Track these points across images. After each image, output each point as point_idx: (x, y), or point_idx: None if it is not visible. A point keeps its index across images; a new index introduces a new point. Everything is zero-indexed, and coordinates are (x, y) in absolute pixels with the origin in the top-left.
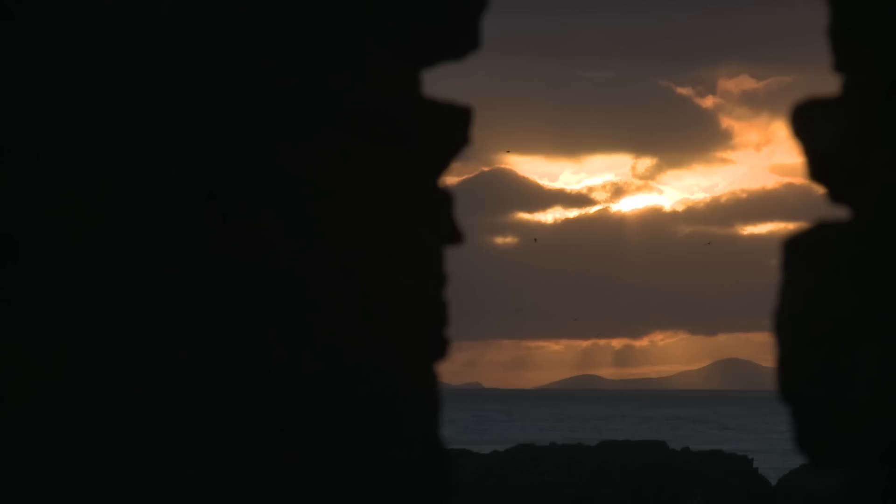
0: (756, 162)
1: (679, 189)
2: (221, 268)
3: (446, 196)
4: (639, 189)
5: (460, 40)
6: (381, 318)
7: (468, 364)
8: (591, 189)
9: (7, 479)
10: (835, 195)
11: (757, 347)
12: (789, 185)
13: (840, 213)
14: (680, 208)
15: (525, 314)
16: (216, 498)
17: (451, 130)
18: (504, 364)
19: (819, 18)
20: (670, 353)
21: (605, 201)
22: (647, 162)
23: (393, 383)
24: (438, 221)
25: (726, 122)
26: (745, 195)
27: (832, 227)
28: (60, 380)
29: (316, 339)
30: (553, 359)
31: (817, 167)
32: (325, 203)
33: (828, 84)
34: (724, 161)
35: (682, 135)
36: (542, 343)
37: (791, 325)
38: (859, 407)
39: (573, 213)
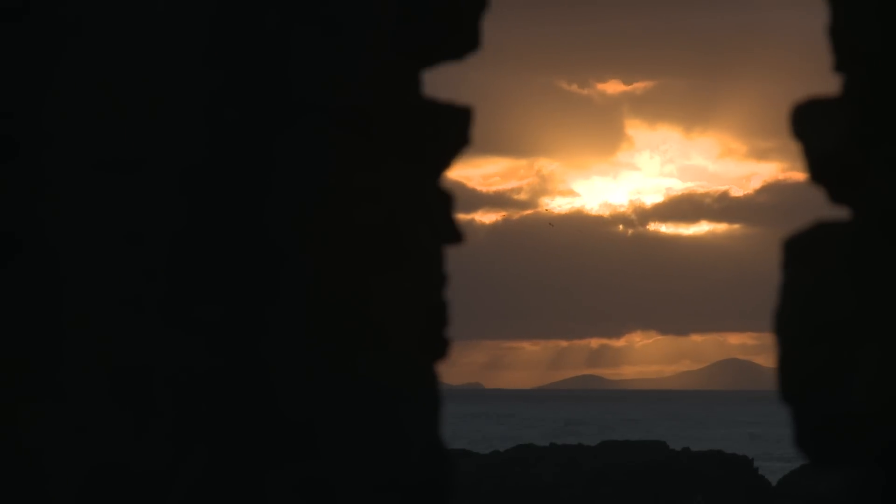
0: (654, 165)
1: (591, 192)
2: (221, 268)
3: (446, 196)
4: (560, 193)
5: (460, 40)
6: (381, 319)
7: (450, 364)
8: (514, 190)
9: (8, 479)
10: (835, 195)
11: (739, 348)
12: (704, 188)
13: (839, 213)
14: (605, 212)
15: (504, 314)
16: (216, 498)
17: (451, 130)
18: (484, 364)
19: (678, 22)
20: (651, 353)
21: (528, 203)
22: (550, 165)
23: (393, 383)
24: (438, 221)
25: (614, 124)
26: (661, 197)
27: (832, 227)
28: (60, 380)
29: (316, 339)
30: (534, 359)
31: (817, 167)
32: (326, 203)
33: (695, 88)
34: (625, 165)
35: (576, 138)
36: (519, 344)
37: (791, 325)
38: (859, 407)
39: (501, 214)
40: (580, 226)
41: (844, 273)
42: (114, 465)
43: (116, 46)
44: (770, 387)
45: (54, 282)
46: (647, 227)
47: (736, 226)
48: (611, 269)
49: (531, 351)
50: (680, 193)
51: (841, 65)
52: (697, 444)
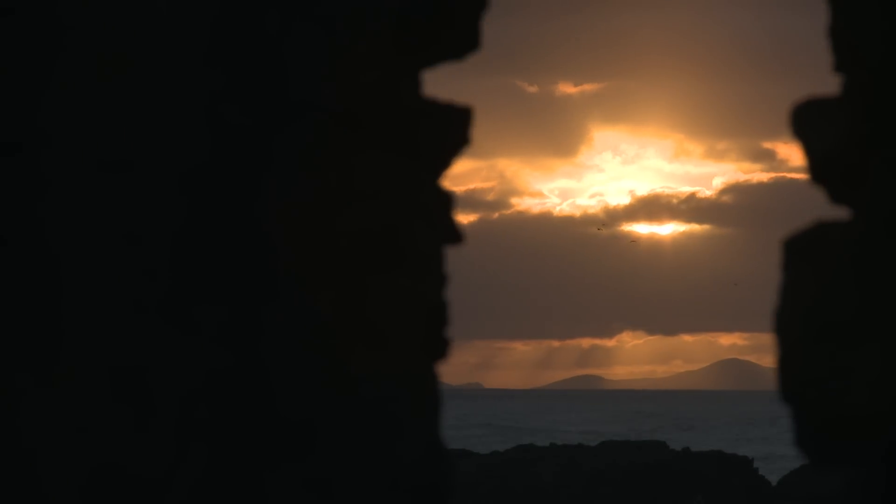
0: (615, 166)
1: (557, 193)
2: (221, 268)
3: (446, 196)
4: (530, 194)
5: (460, 40)
6: (381, 318)
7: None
8: (483, 192)
9: (7, 479)
10: (835, 195)
11: (730, 349)
12: (668, 189)
13: (840, 213)
14: (577, 212)
15: (492, 315)
16: (216, 498)
17: (451, 130)
18: (476, 365)
19: (618, 25)
20: (644, 354)
21: (499, 204)
22: (511, 166)
23: (393, 383)
24: (438, 221)
25: (572, 125)
26: (628, 199)
27: (832, 227)
28: (60, 379)
29: (316, 339)
30: (528, 359)
31: (817, 167)
32: (325, 203)
33: (640, 90)
34: (588, 166)
35: (535, 139)
36: (510, 344)
37: (791, 325)
38: (859, 407)
39: (476, 216)
40: (551, 227)
41: (845, 273)
42: (114, 465)
43: (116, 46)
44: (771, 387)
45: (54, 282)
46: (620, 228)
47: (706, 226)
48: (589, 270)
49: (523, 351)
50: (647, 195)
51: (841, 65)
52: (697, 444)
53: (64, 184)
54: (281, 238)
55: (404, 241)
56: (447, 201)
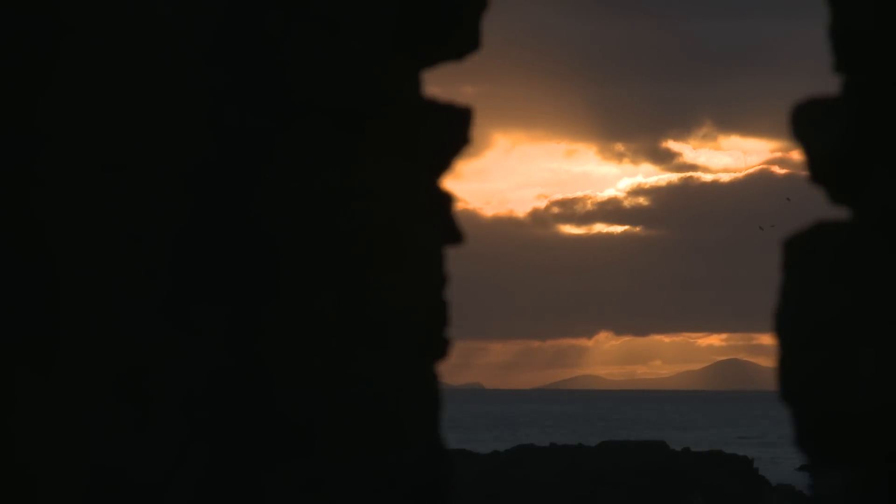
0: (523, 169)
1: (474, 195)
2: (222, 268)
3: (446, 196)
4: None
5: (460, 40)
6: (381, 319)
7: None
8: None
9: (7, 479)
10: (835, 195)
11: (708, 349)
12: (583, 191)
13: (840, 213)
14: (502, 212)
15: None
16: (216, 498)
17: (451, 130)
18: (467, 366)
19: (515, 23)
20: (620, 353)
21: None
22: None
23: (393, 383)
24: (438, 221)
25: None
26: (545, 202)
27: (832, 227)
28: (61, 379)
29: (316, 339)
30: (518, 359)
31: (817, 167)
32: (326, 203)
33: (520, 94)
34: (495, 168)
35: None
36: (484, 343)
37: (791, 325)
38: (859, 406)
39: None
40: (508, 227)
41: (844, 273)
42: (114, 465)
43: (117, 46)
44: (769, 386)
45: (54, 282)
46: (552, 229)
47: (637, 228)
48: (544, 271)
49: (505, 351)
50: (564, 198)
51: (841, 65)
52: (697, 444)
53: (65, 184)
54: (281, 238)
55: (404, 241)
56: (447, 201)
